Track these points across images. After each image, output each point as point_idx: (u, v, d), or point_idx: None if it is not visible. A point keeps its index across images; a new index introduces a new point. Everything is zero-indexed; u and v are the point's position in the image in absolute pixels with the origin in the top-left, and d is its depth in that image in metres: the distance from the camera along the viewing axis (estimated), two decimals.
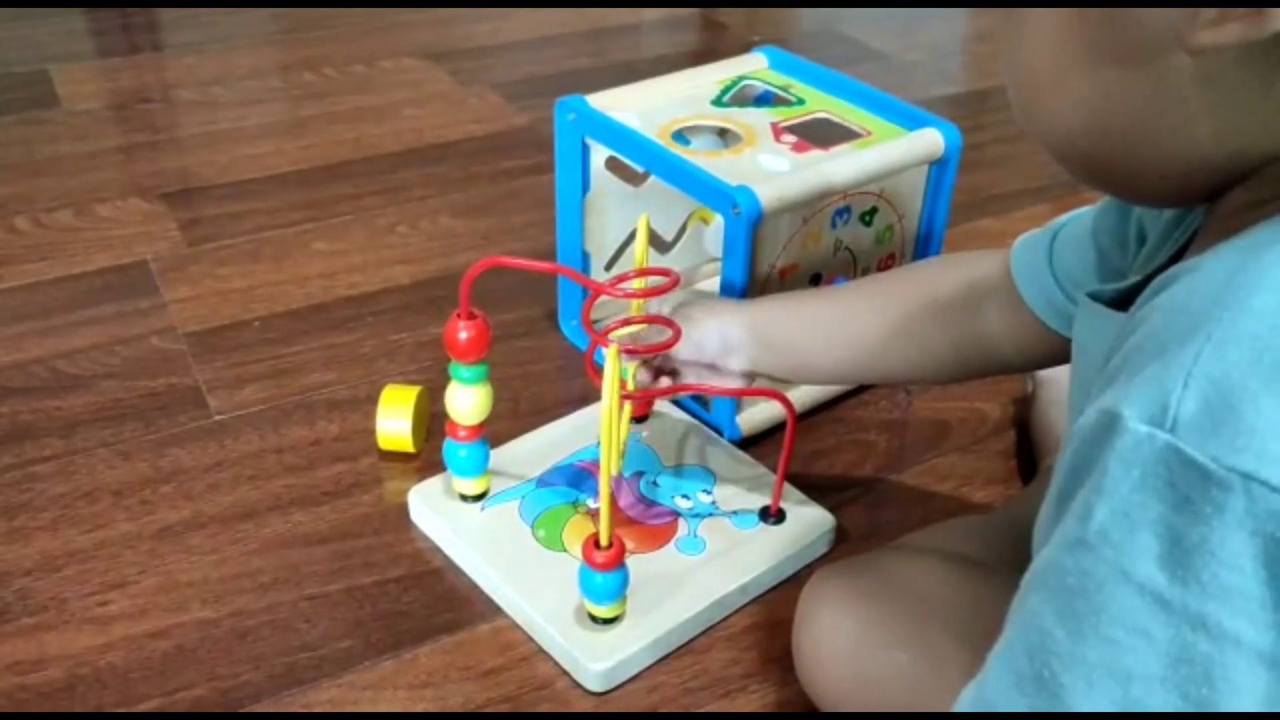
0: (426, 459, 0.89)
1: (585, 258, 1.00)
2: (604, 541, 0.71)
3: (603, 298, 0.84)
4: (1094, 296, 0.53)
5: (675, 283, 0.76)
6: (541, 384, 0.98)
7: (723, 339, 0.78)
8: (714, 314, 0.78)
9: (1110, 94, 0.43)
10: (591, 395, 0.93)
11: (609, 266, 1.01)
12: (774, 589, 0.79)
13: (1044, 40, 0.44)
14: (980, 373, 0.80)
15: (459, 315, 0.76)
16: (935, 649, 0.61)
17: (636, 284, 0.79)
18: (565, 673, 0.73)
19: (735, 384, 0.79)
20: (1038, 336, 0.68)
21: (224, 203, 1.25)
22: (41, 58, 1.58)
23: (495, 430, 0.84)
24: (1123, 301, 0.50)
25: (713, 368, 0.79)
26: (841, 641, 0.66)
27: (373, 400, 0.90)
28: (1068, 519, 0.40)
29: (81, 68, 1.57)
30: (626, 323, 0.81)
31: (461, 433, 0.80)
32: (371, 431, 0.89)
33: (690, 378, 0.80)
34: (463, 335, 0.76)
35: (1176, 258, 0.50)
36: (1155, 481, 0.37)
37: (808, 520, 0.82)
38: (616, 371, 0.69)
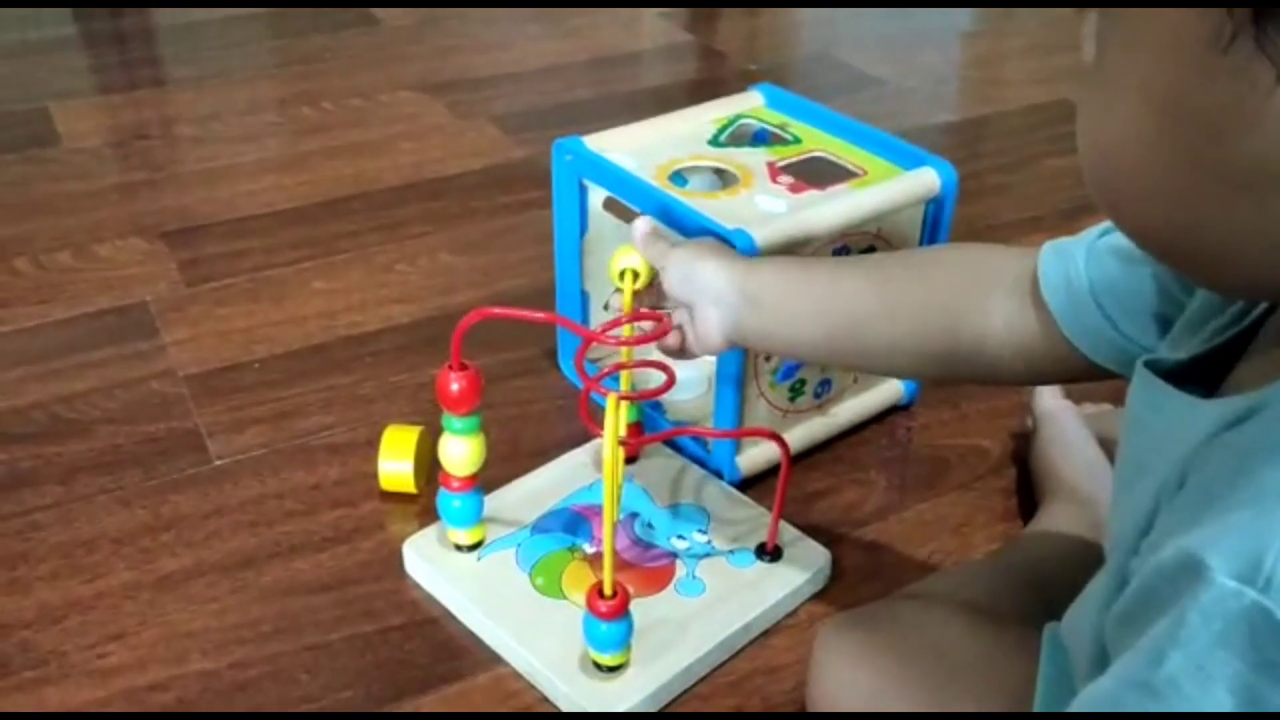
0: (428, 501, 0.88)
1: (584, 297, 1.00)
2: (608, 590, 0.70)
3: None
4: (1151, 366, 0.49)
5: (667, 328, 0.76)
6: (541, 424, 0.98)
7: (715, 290, 0.74)
8: (717, 257, 0.75)
9: (1207, 207, 0.39)
10: (591, 436, 0.93)
11: (608, 306, 1.01)
12: (772, 629, 0.79)
13: (1137, 135, 0.40)
14: (968, 376, 0.74)
15: (450, 366, 0.76)
16: (950, 706, 0.61)
17: (626, 330, 0.79)
18: None
19: (716, 345, 0.76)
20: (1053, 351, 0.63)
21: (223, 241, 1.25)
22: (41, 95, 1.58)
23: (496, 472, 0.85)
24: (1181, 374, 0.48)
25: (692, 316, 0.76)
26: (857, 696, 0.65)
27: (372, 443, 0.90)
28: (1134, 656, 0.39)
29: (81, 104, 1.58)
30: (619, 368, 0.81)
31: (455, 483, 0.79)
32: (372, 475, 0.89)
33: (677, 316, 0.77)
34: (454, 387, 0.76)
35: (1250, 333, 0.47)
36: (1237, 638, 0.36)
37: (804, 555, 0.82)
38: (615, 421, 0.69)
